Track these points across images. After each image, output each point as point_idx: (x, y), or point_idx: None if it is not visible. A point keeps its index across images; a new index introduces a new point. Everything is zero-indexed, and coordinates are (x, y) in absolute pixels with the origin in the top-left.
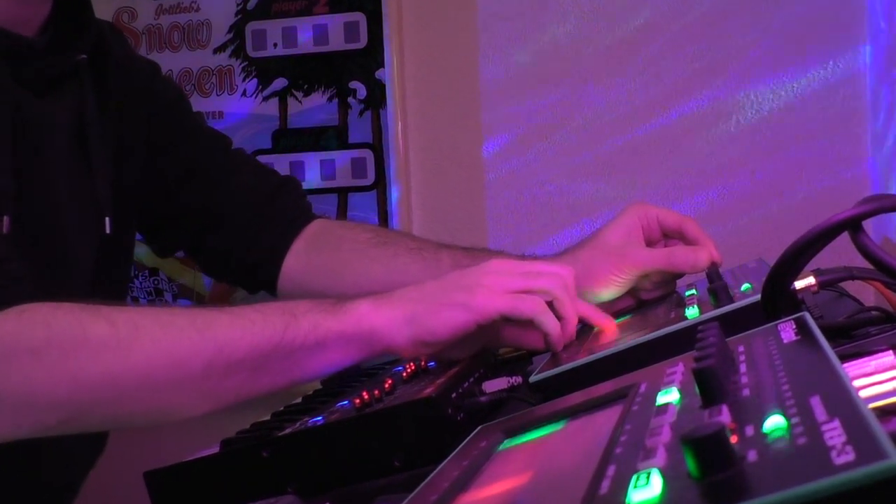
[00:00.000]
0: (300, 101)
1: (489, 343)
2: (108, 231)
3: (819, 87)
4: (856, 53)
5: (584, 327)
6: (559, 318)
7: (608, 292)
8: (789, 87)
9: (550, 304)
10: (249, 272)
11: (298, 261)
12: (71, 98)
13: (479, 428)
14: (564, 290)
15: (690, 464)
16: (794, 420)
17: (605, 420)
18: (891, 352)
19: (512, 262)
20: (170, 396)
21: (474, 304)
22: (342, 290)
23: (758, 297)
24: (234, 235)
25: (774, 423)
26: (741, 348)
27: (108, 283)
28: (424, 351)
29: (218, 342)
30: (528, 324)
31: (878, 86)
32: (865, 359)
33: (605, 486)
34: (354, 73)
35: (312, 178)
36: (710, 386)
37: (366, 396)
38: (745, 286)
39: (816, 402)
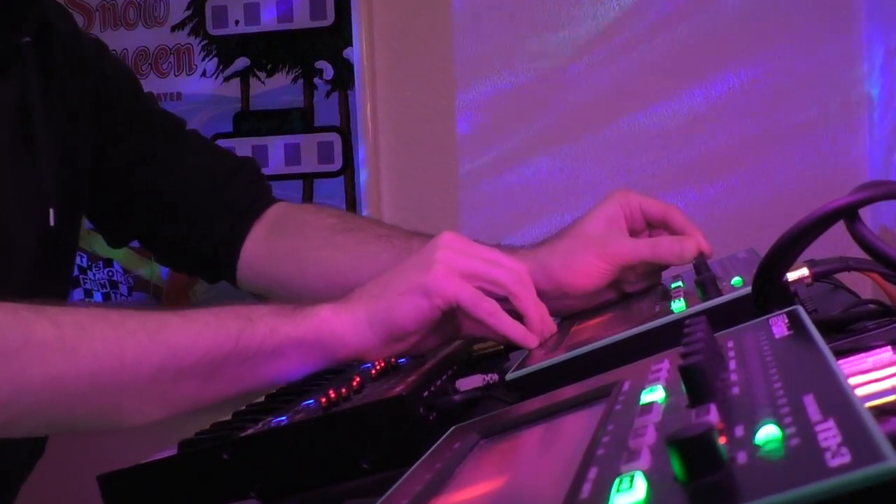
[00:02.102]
0: (263, 82)
1: (456, 331)
2: (52, 223)
3: (813, 67)
4: (853, 32)
5: (564, 321)
6: (519, 317)
7: (589, 285)
8: (782, 67)
9: (507, 301)
10: (206, 260)
11: (258, 247)
12: (14, 83)
13: (452, 428)
14: (522, 285)
15: (676, 466)
16: (788, 425)
17: (586, 420)
18: (889, 347)
19: (466, 239)
20: (117, 401)
21: (432, 285)
22: (305, 280)
23: (748, 289)
24: (189, 222)
25: (768, 433)
26: (730, 344)
27: (50, 278)
28: (397, 348)
29: (169, 346)
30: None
31: (875, 66)
32: (862, 355)
33: (587, 489)
34: (321, 52)
35: (276, 163)
36: (697, 384)
37: (332, 395)
38: (735, 280)
39: (810, 401)
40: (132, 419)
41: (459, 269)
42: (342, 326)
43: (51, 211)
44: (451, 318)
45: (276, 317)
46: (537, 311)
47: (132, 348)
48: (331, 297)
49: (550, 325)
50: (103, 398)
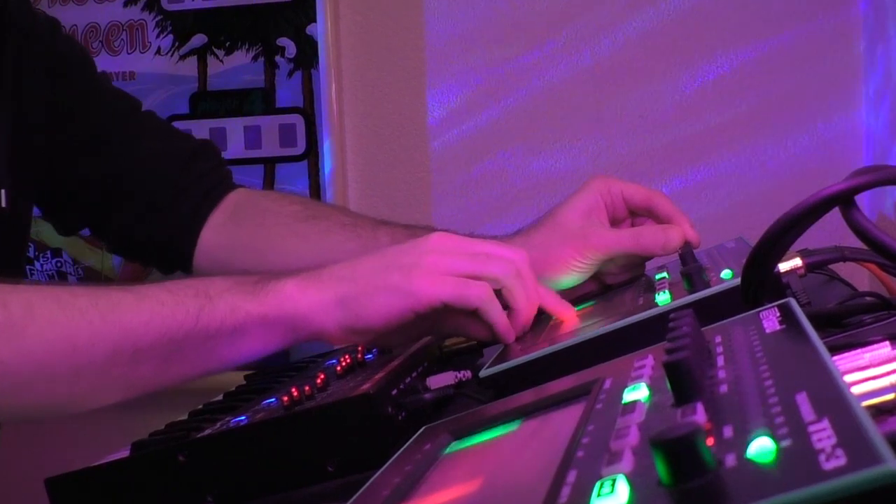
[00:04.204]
0: (221, 60)
1: (428, 331)
2: (3, 205)
3: (806, 44)
4: (849, 9)
5: (542, 315)
6: (509, 309)
7: (568, 279)
8: (772, 44)
9: (499, 293)
10: (161, 250)
11: (216, 236)
12: None
13: (422, 429)
14: (517, 277)
15: (661, 469)
16: (780, 426)
17: (565, 420)
18: (887, 343)
19: (457, 238)
20: (69, 386)
21: (413, 289)
22: (266, 270)
23: (737, 281)
24: (143, 209)
25: (761, 446)
26: (718, 339)
27: (2, 263)
28: (355, 339)
29: (123, 326)
30: (473, 313)
31: (872, 42)
32: (858, 350)
33: (566, 493)
34: (282, 28)
35: (235, 146)
36: (683, 381)
37: (295, 393)
38: (725, 272)
39: (803, 400)
40: (87, 404)
41: (445, 270)
42: (307, 304)
43: (2, 192)
44: (426, 317)
45: (236, 293)
46: (527, 305)
47: (84, 330)
48: (295, 271)
49: (524, 324)
50: (55, 383)
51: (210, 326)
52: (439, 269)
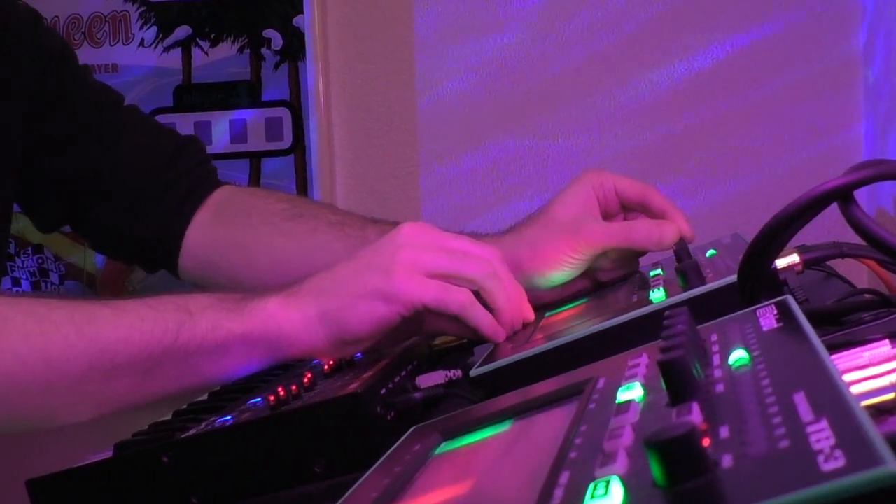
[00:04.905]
0: (206, 53)
1: (415, 332)
2: None
3: (804, 36)
4: (847, 0)
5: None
6: (490, 309)
7: (560, 275)
8: (770, 36)
9: (478, 294)
10: (145, 248)
11: (202, 234)
12: None
13: (412, 429)
14: (493, 277)
15: (656, 470)
16: (777, 426)
17: (558, 420)
18: (886, 341)
19: (429, 229)
20: (43, 401)
21: (393, 292)
22: (253, 270)
23: (733, 277)
24: (127, 206)
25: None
26: (714, 337)
27: None
28: (348, 350)
29: (100, 341)
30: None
31: (872, 34)
32: (857, 349)
33: (558, 495)
34: (269, 19)
35: (220, 140)
36: (678, 381)
37: (282, 393)
38: (709, 252)
39: (801, 400)
40: (61, 419)
41: (423, 269)
42: (290, 324)
43: None
44: (411, 319)
45: (218, 310)
46: (509, 305)
47: (59, 344)
48: (278, 287)
49: (528, 314)
50: (28, 398)
51: (190, 343)
52: (417, 268)
